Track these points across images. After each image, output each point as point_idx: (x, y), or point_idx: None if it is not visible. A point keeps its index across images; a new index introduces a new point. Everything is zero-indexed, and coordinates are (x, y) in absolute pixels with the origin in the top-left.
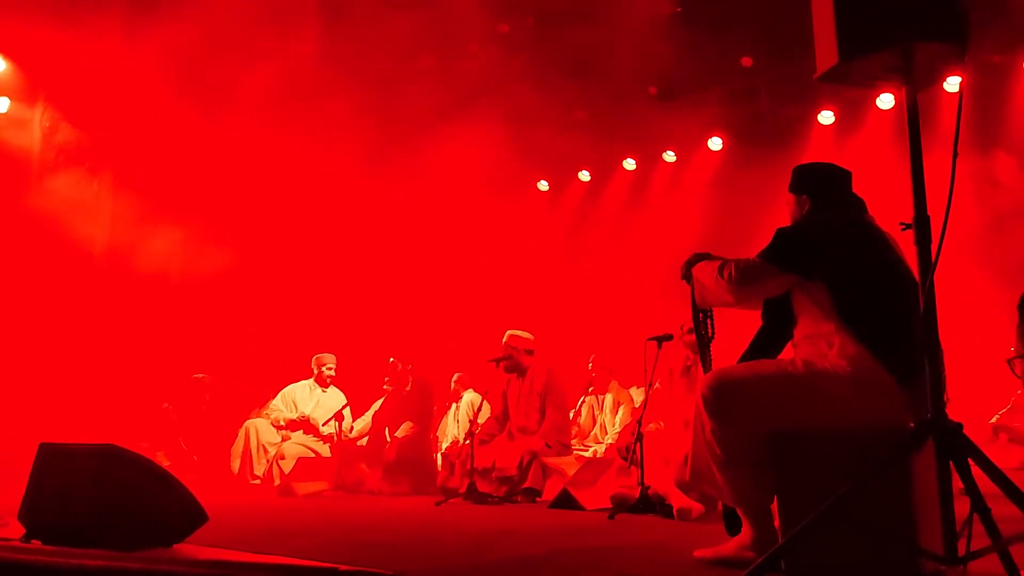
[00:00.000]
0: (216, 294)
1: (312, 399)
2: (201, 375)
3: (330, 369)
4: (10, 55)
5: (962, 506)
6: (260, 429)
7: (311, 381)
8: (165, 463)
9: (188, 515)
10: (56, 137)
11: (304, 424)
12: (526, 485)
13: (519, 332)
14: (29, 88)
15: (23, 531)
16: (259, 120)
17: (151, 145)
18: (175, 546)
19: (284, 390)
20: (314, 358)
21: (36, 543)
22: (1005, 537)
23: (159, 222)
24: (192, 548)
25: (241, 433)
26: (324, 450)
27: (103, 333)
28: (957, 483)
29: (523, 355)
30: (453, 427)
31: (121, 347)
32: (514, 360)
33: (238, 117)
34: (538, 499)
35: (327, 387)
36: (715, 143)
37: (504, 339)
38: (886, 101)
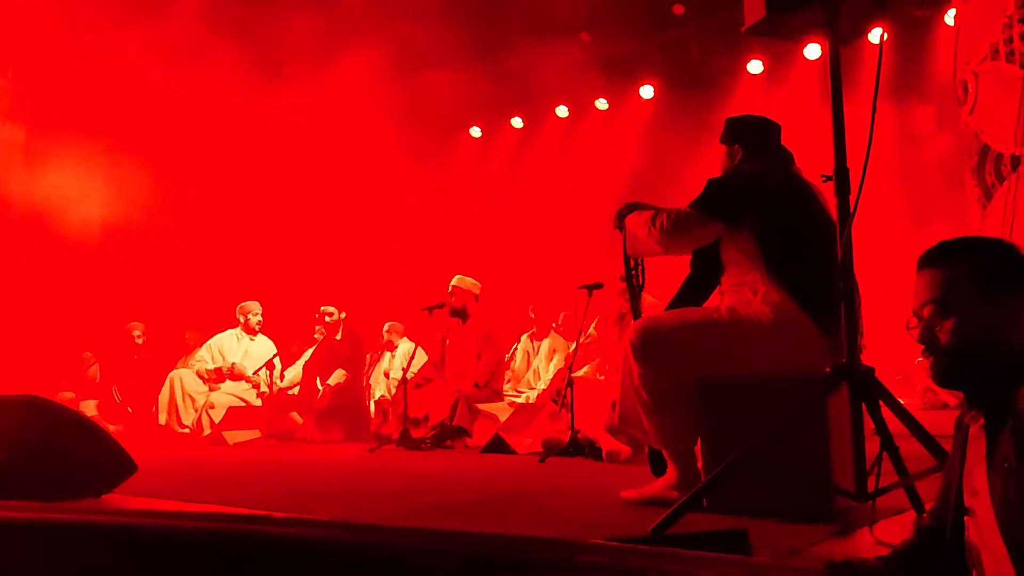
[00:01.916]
0: (142, 243)
1: (240, 348)
2: (133, 324)
3: (256, 316)
4: None
5: (873, 445)
6: (185, 379)
7: (238, 330)
8: (92, 414)
9: (116, 465)
10: None
11: (230, 374)
12: (455, 424)
13: (466, 278)
14: None
15: None
16: (179, 60)
17: (69, 89)
18: (103, 496)
19: (211, 340)
20: (239, 307)
21: None
22: (911, 474)
23: (80, 168)
24: (121, 498)
25: (166, 383)
26: (254, 399)
27: (24, 283)
28: (869, 423)
29: (469, 301)
30: (385, 376)
31: (44, 297)
32: (460, 306)
33: (153, 58)
34: (468, 440)
35: (255, 335)
36: (647, 91)
37: (451, 284)
38: (813, 51)
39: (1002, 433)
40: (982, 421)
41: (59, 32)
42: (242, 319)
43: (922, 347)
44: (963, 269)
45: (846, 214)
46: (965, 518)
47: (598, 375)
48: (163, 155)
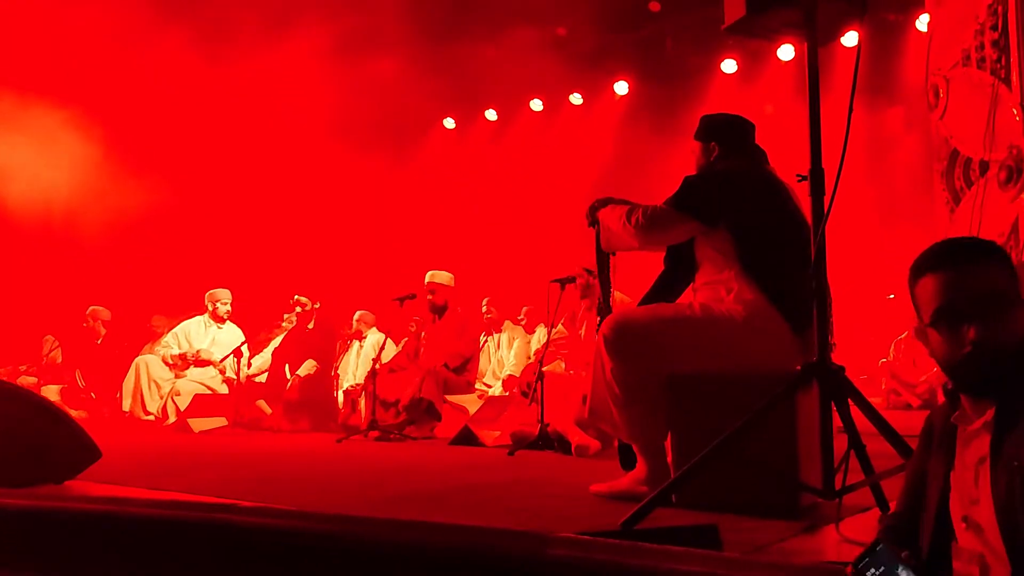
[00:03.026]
0: (108, 224)
1: (207, 336)
2: (98, 308)
3: (224, 304)
4: None
5: (841, 444)
6: (151, 365)
7: (206, 317)
8: (54, 399)
9: (79, 451)
10: None
11: (195, 361)
12: (422, 396)
13: (440, 273)
14: None
15: None
16: (140, 38)
17: (21, 59)
18: (66, 483)
19: (178, 326)
20: (208, 294)
21: None
22: (878, 472)
23: (37, 145)
24: (84, 484)
25: (132, 369)
26: (221, 386)
27: None
28: (837, 422)
29: (443, 295)
30: (354, 366)
31: (5, 281)
32: (435, 299)
33: (114, 29)
34: (437, 431)
35: (223, 323)
36: (621, 87)
37: (426, 279)
38: (786, 52)
39: (1011, 432)
40: (981, 422)
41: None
42: (210, 307)
43: (949, 345)
44: (1007, 265)
45: (820, 214)
46: (961, 524)
47: (569, 371)
48: (132, 134)
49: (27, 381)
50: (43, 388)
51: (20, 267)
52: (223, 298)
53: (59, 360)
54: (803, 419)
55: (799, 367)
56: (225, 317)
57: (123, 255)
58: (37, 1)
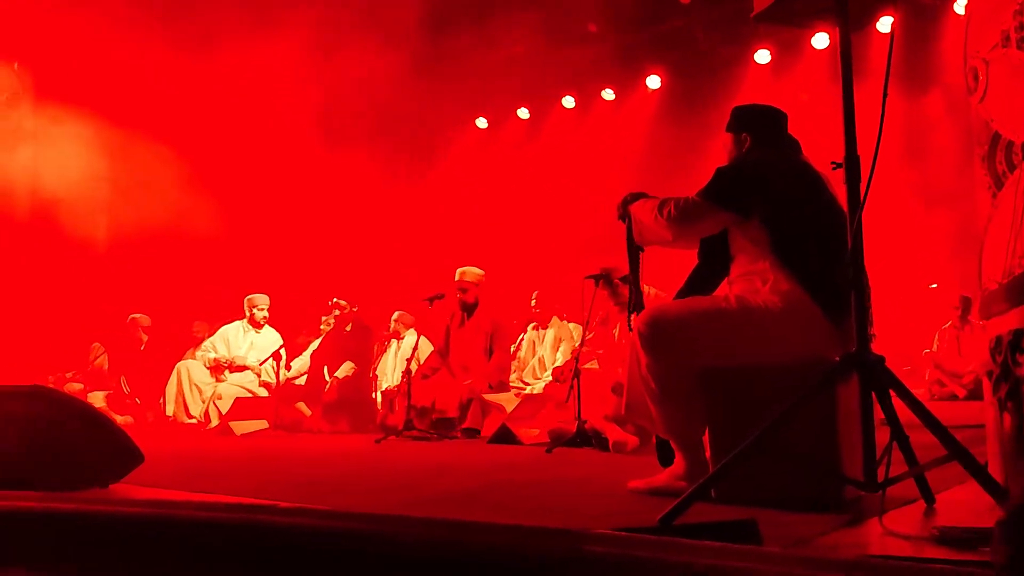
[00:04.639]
0: (150, 234)
1: (246, 340)
2: (138, 315)
3: (262, 310)
4: None
5: (883, 435)
6: (192, 370)
7: (244, 322)
8: (100, 404)
9: (123, 455)
10: None
11: (229, 366)
12: (466, 425)
13: (471, 268)
14: None
15: None
16: (192, 59)
17: (82, 77)
18: (110, 486)
19: (219, 331)
20: (246, 299)
21: None
22: (921, 463)
23: (88, 158)
24: (128, 488)
25: (174, 374)
26: (260, 390)
27: (32, 275)
28: (879, 413)
29: (475, 292)
30: (392, 367)
31: (52, 289)
32: (465, 297)
33: (162, 55)
34: (478, 437)
35: (260, 328)
36: (653, 81)
37: (456, 276)
38: (821, 41)
39: None
40: None
41: (56, 22)
42: (248, 312)
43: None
44: None
45: (856, 202)
46: None
47: (595, 361)
48: (172, 145)
49: (74, 388)
50: (89, 394)
51: (67, 277)
52: (260, 303)
53: (106, 367)
54: (843, 411)
55: (838, 358)
56: (262, 322)
57: (162, 262)
58: (86, 18)
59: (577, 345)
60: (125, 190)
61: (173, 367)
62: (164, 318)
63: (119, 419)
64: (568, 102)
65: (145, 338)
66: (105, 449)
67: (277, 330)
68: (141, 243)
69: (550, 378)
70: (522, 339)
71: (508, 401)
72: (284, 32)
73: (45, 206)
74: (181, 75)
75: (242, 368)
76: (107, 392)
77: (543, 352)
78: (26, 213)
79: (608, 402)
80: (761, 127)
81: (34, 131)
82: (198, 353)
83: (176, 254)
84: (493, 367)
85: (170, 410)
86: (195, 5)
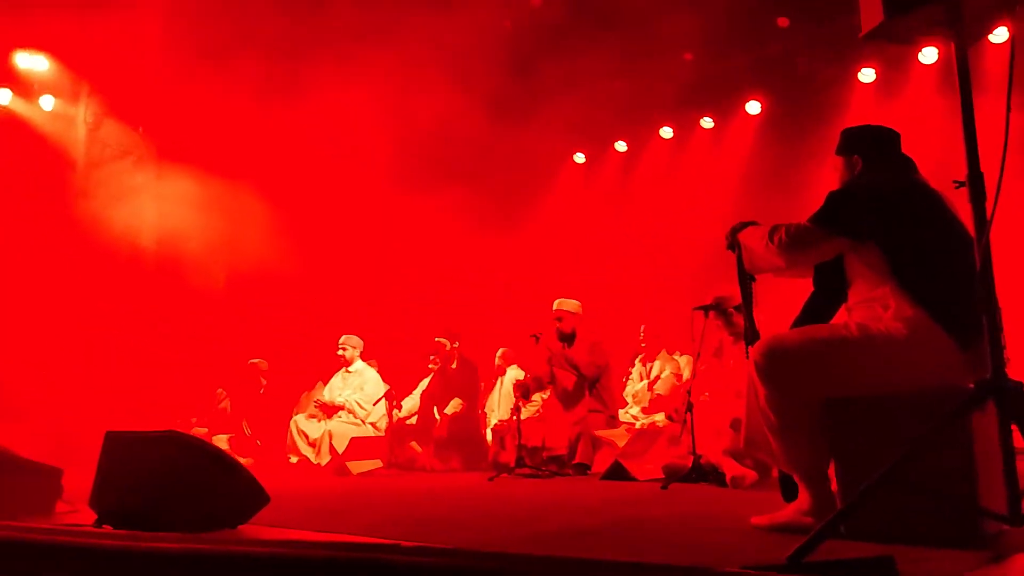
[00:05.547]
0: (264, 281)
1: (340, 381)
2: (257, 360)
3: (345, 350)
4: (52, 53)
5: None
6: (299, 423)
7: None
8: (224, 447)
9: (250, 497)
10: (100, 132)
11: (321, 406)
12: (576, 461)
13: (568, 300)
14: (72, 85)
15: (94, 517)
16: (306, 111)
17: (197, 136)
18: (240, 527)
19: (332, 380)
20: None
21: (107, 528)
22: None
23: (205, 212)
24: (256, 529)
25: (291, 427)
26: (372, 430)
27: (157, 323)
28: (1019, 441)
29: (571, 322)
30: (498, 403)
31: (174, 336)
32: (562, 326)
33: (286, 108)
34: (589, 472)
35: (349, 365)
36: (753, 107)
37: (554, 307)
38: (929, 55)
39: None
40: None
41: (171, 90)
42: (340, 351)
43: None
44: None
45: (983, 221)
46: None
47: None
48: (276, 192)
49: (199, 431)
50: (213, 438)
51: (190, 325)
52: (341, 343)
53: (228, 410)
54: (980, 441)
55: (971, 385)
56: (352, 359)
57: (275, 307)
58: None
59: (688, 378)
60: (236, 239)
61: (291, 409)
62: (280, 361)
63: (242, 461)
64: (666, 132)
65: (264, 382)
66: (234, 491)
67: (387, 370)
68: (254, 289)
69: (644, 404)
70: (630, 373)
71: (620, 437)
72: (373, 77)
73: (169, 258)
74: (280, 125)
75: (335, 408)
76: (230, 435)
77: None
78: (152, 265)
79: (724, 435)
80: (872, 148)
81: (158, 189)
82: (314, 400)
83: (286, 298)
84: (586, 360)
85: (293, 459)
86: (284, 54)
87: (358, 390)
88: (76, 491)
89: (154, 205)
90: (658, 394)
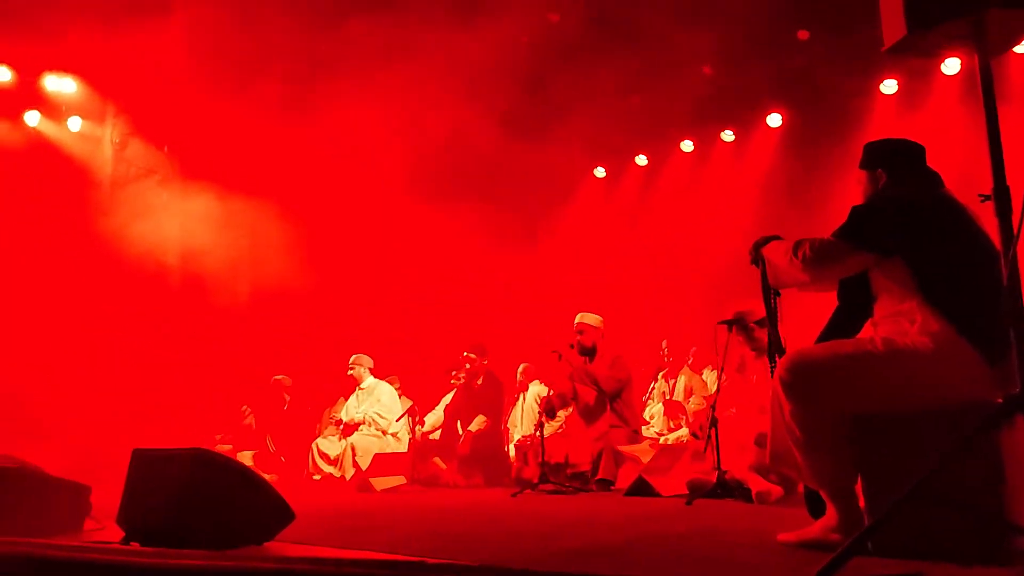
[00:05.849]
0: (286, 297)
1: (357, 401)
2: (281, 376)
3: (353, 368)
4: (79, 75)
5: None
6: (320, 445)
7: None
8: (248, 464)
9: (276, 514)
10: (126, 151)
11: (337, 424)
12: (599, 476)
13: (589, 314)
14: (99, 107)
15: (122, 534)
16: (327, 128)
17: (219, 154)
18: (266, 544)
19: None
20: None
21: (135, 545)
22: None
23: (228, 229)
24: (282, 546)
25: (312, 450)
26: (398, 445)
27: (182, 341)
28: None
29: (592, 336)
30: (521, 418)
31: (199, 353)
32: (583, 340)
33: (305, 125)
34: (612, 488)
35: (360, 382)
36: (774, 119)
37: (575, 321)
38: (951, 66)
39: None
40: None
41: (198, 106)
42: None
43: None
44: None
45: (1010, 234)
46: None
47: (732, 410)
48: (296, 209)
49: (223, 448)
50: (238, 454)
51: (214, 342)
52: (358, 362)
53: (253, 427)
54: (1009, 456)
55: (999, 400)
56: (358, 379)
57: (297, 323)
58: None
59: (712, 393)
60: (259, 256)
61: (314, 426)
62: (303, 377)
63: (267, 477)
64: (687, 146)
65: (288, 398)
66: (260, 508)
67: (409, 386)
68: (277, 305)
69: (685, 434)
70: (653, 389)
71: (643, 452)
72: (397, 95)
73: (193, 275)
74: (301, 143)
75: (355, 426)
76: (254, 452)
77: (676, 398)
78: (177, 283)
79: (749, 451)
80: (896, 162)
81: (182, 207)
82: (333, 415)
83: (308, 314)
84: (606, 375)
85: (317, 476)
86: (304, 73)
87: (375, 404)
88: (104, 508)
89: (178, 223)
90: (693, 411)
